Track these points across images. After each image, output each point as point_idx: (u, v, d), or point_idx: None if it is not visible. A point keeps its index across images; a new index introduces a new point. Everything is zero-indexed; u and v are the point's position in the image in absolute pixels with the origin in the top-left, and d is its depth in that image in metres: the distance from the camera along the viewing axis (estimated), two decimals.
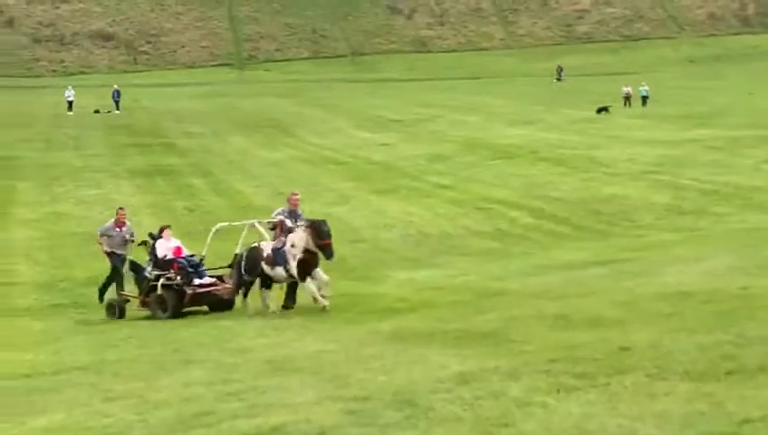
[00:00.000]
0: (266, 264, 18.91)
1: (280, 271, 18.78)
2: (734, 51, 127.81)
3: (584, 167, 40.95)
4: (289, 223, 19.07)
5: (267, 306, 19.07)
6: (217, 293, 20.43)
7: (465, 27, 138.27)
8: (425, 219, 32.80)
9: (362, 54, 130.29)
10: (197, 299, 20.36)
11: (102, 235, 22.73)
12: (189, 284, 20.22)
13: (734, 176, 35.94)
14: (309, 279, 18.40)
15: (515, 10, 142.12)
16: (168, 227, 21.98)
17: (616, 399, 7.42)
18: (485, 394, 8.05)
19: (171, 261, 20.66)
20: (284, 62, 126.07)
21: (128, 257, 21.89)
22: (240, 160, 48.61)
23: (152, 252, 20.97)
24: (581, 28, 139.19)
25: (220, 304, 20.40)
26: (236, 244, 19.99)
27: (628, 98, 72.25)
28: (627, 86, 74.21)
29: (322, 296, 18.23)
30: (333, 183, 40.75)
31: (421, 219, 32.79)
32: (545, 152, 45.39)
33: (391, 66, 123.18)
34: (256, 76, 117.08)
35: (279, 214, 19.73)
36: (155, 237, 21.33)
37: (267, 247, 19.14)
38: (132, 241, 22.51)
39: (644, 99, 71.89)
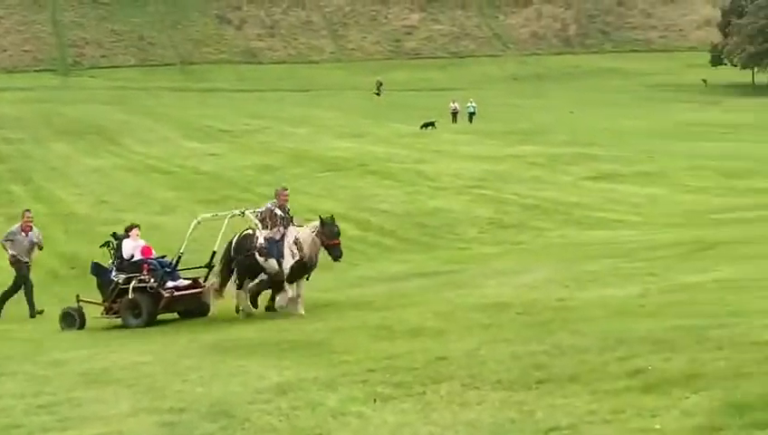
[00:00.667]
0: (259, 254, 17.71)
1: (273, 264, 17.58)
2: (556, 70, 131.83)
3: (411, 180, 41.41)
4: (279, 213, 17.77)
5: (246, 304, 17.97)
6: (195, 295, 18.57)
7: (296, 39, 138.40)
8: None
9: (191, 63, 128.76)
10: (173, 303, 18.49)
11: (7, 239, 21.55)
12: (164, 286, 18.24)
13: (555, 192, 36.93)
14: (296, 284, 17.30)
15: (345, 24, 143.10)
16: (136, 226, 19.54)
17: (430, 408, 7.50)
18: (302, 404, 8.03)
19: (140, 262, 18.64)
20: (110, 69, 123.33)
21: (29, 264, 20.72)
22: (62, 167, 47.28)
23: (117, 253, 18.88)
24: (410, 44, 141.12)
25: (197, 309, 18.70)
26: (216, 239, 18.43)
27: (455, 114, 73.62)
28: (454, 102, 75.64)
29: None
30: (158, 193, 40.07)
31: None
32: (373, 165, 45.74)
33: (221, 76, 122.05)
34: (81, 82, 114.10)
35: (269, 206, 18.20)
36: (119, 237, 19.22)
37: (261, 236, 17.74)
38: (41, 248, 21.75)
39: (471, 115, 73.38)
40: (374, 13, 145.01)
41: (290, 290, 17.29)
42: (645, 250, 21.56)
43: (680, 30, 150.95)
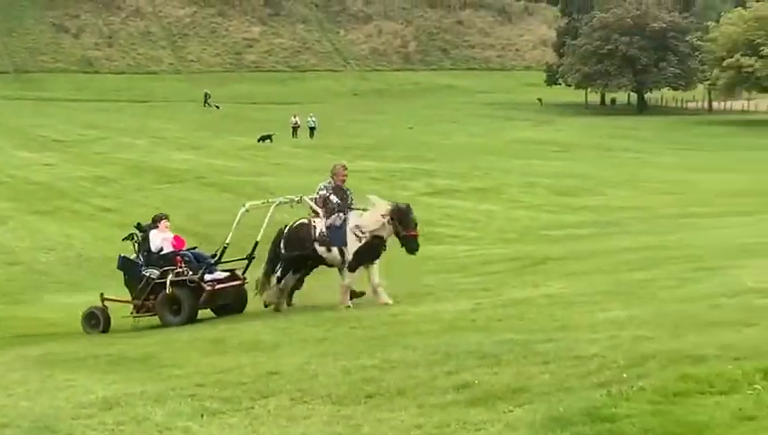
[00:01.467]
0: (320, 244, 16.18)
1: (336, 254, 16.10)
2: (396, 86, 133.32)
3: (249, 193, 41.16)
4: (335, 199, 16.36)
5: (277, 302, 16.57)
6: (236, 288, 17.16)
7: (134, 50, 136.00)
8: (85, 242, 31.92)
9: (27, 72, 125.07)
10: (215, 297, 16.83)
11: None
12: (203, 279, 16.67)
13: None
14: (359, 271, 15.89)
15: (185, 35, 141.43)
16: (165, 216, 17.80)
17: (258, 422, 7.45)
18: (128, 419, 7.87)
19: (171, 255, 17.04)
20: None
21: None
22: None
23: (143, 246, 17.30)
24: (250, 57, 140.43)
25: (236, 303, 17.35)
26: (259, 229, 16.86)
27: (296, 128, 73.59)
28: (295, 116, 75.62)
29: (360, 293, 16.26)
30: None
31: (82, 242, 31.91)
32: (211, 177, 45.36)
33: (57, 85, 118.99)
34: None
35: (322, 190, 16.68)
36: (144, 229, 17.61)
37: (320, 224, 16.29)
38: None
39: (311, 129, 73.48)
40: (214, 25, 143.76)
41: (348, 278, 15.97)
42: (479, 265, 21.96)
43: (517, 49, 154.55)
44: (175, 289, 16.58)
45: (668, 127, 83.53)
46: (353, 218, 16.07)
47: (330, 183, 16.72)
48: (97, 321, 17.11)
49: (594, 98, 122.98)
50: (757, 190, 39.30)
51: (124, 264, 17.54)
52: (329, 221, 16.16)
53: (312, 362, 9.58)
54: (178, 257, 16.91)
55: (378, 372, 8.66)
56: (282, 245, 16.44)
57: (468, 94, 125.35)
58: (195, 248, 17.69)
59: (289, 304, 16.90)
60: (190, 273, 16.63)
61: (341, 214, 16.18)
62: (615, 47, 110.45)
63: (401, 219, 15.70)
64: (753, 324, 8.42)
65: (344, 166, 17.21)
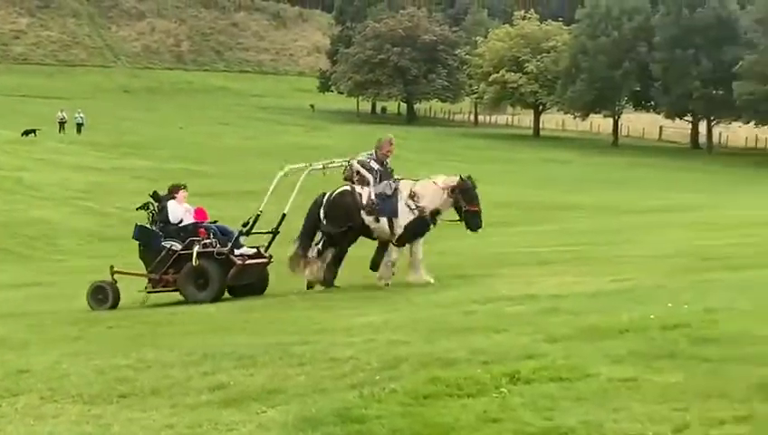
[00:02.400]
0: (367, 213, 14.80)
1: (384, 225, 14.70)
2: (168, 85, 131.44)
3: (10, 188, 39.69)
4: (376, 166, 15.15)
5: (325, 278, 15.12)
6: (262, 266, 15.75)
7: None
8: None
9: None
10: (242, 273, 15.37)
11: None
12: (232, 252, 15.23)
13: None
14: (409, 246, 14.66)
15: None
16: (183, 187, 16.41)
17: (5, 421, 7.21)
18: None
19: (192, 227, 15.67)
20: None
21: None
22: None
23: (160, 216, 15.84)
24: (17, 48, 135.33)
25: (259, 283, 15.92)
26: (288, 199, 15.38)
27: (62, 123, 71.38)
28: (62, 111, 73.36)
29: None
30: None
31: None
32: None
33: None
34: None
35: (365, 161, 15.38)
36: (161, 198, 16.17)
37: (366, 193, 14.93)
38: None
39: (79, 126, 71.43)
40: None
41: (394, 253, 14.75)
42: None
43: (291, 54, 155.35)
44: (202, 262, 15.20)
45: (436, 138, 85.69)
46: (406, 188, 14.88)
47: (371, 155, 15.57)
48: (105, 296, 15.61)
49: (366, 106, 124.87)
50: (517, 202, 40.92)
51: (142, 234, 16.01)
52: (378, 189, 14.88)
53: (64, 360, 9.33)
54: (202, 229, 15.67)
55: (132, 372, 8.51)
56: (321, 215, 15.11)
57: (241, 97, 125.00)
58: (216, 222, 16.38)
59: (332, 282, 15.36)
60: (218, 245, 15.33)
61: (391, 182, 15.02)
62: (387, 57, 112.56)
63: (464, 192, 14.56)
64: (503, 330, 8.74)
65: (391, 141, 15.88)
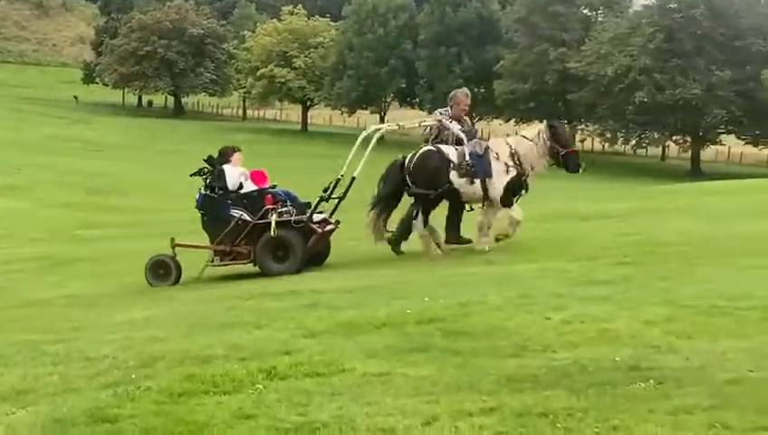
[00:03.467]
0: (460, 175, 13.69)
1: (477, 188, 13.68)
2: None
3: None
4: (456, 126, 14.12)
5: (433, 244, 13.96)
6: (329, 234, 14.68)
7: None
8: None
9: None
10: (319, 242, 14.44)
11: None
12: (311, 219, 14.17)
13: None
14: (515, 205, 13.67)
15: None
16: (237, 149, 15.20)
17: None
18: None
19: (258, 193, 14.49)
20: None
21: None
22: None
23: (219, 183, 14.47)
24: None
25: (325, 253, 14.95)
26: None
27: None
28: None
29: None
30: None
31: None
32: None
33: None
34: None
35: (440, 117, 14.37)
36: (215, 163, 14.81)
37: (455, 153, 13.82)
38: None
39: None
40: None
41: (512, 213, 13.64)
42: (1, 265, 21.07)
43: (54, 45, 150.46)
44: (281, 231, 14.13)
45: (203, 132, 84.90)
46: (500, 144, 14.15)
47: (446, 111, 14.66)
48: (167, 271, 14.55)
49: (132, 99, 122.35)
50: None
51: (206, 203, 14.68)
52: (469, 148, 13.92)
53: None
54: (269, 196, 14.56)
55: None
56: (409, 174, 14.05)
57: (1, 87, 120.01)
58: (276, 186, 15.15)
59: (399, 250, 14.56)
60: (295, 212, 14.31)
61: (480, 141, 14.27)
62: (153, 49, 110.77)
63: (557, 136, 13.88)
64: (264, 326, 8.75)
65: (467, 94, 15.09)
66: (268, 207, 14.38)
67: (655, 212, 19.38)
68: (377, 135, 14.88)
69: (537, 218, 16.72)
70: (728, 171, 72.66)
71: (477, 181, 13.71)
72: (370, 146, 14.65)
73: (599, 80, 79.09)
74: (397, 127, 15.89)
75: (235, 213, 14.46)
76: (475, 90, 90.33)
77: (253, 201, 14.52)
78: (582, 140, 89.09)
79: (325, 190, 14.56)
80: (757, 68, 76.78)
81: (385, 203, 14.38)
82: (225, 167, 14.77)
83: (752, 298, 7.92)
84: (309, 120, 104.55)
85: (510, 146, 13.90)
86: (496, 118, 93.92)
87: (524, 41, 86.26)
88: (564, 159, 13.84)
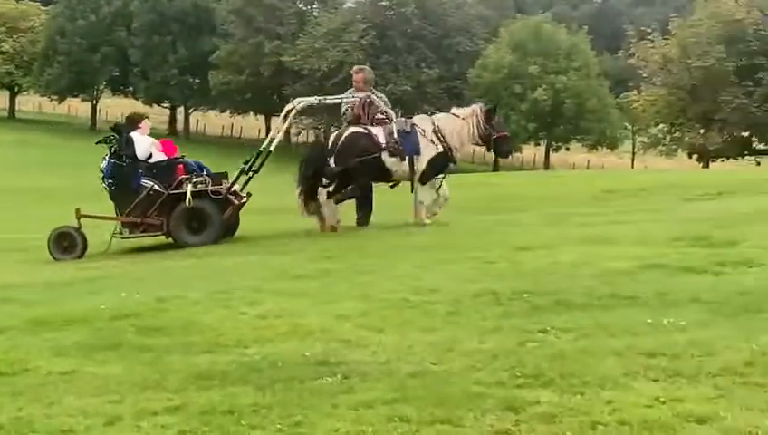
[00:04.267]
0: (390, 153, 14.03)
1: (405, 165, 14.07)
2: None
3: None
4: (382, 102, 14.68)
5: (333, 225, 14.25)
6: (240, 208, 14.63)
7: None
8: None
9: None
10: (232, 216, 14.51)
11: None
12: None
13: None
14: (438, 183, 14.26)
15: None
16: (146, 117, 15.21)
17: None
18: None
19: (167, 163, 14.36)
20: None
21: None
22: None
23: (127, 151, 14.16)
24: None
25: (235, 225, 15.00)
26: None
27: None
28: None
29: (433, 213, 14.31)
30: None
31: None
32: None
33: None
34: None
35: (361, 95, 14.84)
36: (122, 130, 14.52)
37: (382, 132, 14.13)
38: None
39: None
40: None
41: (423, 193, 14.15)
42: None
43: None
44: (197, 202, 13.97)
45: None
46: (424, 122, 14.44)
47: (352, 92, 15.11)
48: (72, 243, 14.06)
49: None
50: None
51: (115, 172, 14.23)
52: (397, 126, 14.26)
53: None
54: (181, 166, 14.39)
55: None
56: (333, 160, 14.16)
57: None
58: (184, 156, 14.95)
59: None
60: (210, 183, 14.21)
61: (405, 119, 14.73)
62: None
63: (489, 119, 14.32)
64: None
65: (358, 69, 15.65)
66: (183, 176, 14.22)
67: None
68: (298, 107, 15.06)
69: (256, 211, 16.76)
70: None
71: (407, 159, 14.12)
72: (288, 120, 15.17)
73: (313, 74, 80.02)
74: (317, 102, 16.03)
75: (146, 183, 14.20)
76: (191, 80, 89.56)
77: (163, 171, 14.32)
78: (298, 134, 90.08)
79: (246, 163, 14.70)
80: (464, 67, 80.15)
81: (308, 181, 14.49)
82: (134, 134, 14.48)
83: (441, 292, 8.19)
84: (17, 107, 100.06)
85: (433, 123, 14.39)
86: (211, 109, 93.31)
87: (240, 32, 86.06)
88: (496, 142, 14.49)
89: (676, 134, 70.72)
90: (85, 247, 14.29)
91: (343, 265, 10.54)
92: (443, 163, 14.35)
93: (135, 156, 14.30)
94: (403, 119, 14.83)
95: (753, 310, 6.82)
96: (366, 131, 14.30)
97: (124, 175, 14.32)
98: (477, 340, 6.46)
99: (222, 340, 7.02)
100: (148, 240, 15.06)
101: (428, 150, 14.14)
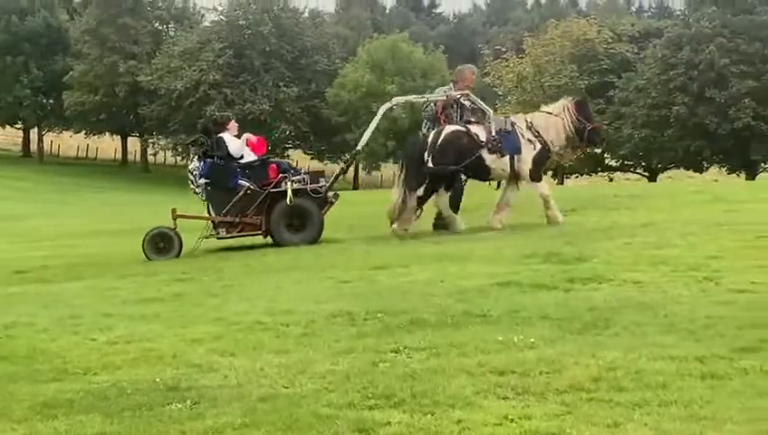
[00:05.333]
0: (489, 151, 14.01)
1: (506, 162, 14.02)
2: None
3: None
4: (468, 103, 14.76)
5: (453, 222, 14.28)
6: None
7: None
8: None
9: None
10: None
11: None
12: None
13: None
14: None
15: None
16: (232, 117, 15.49)
17: None
18: None
19: (260, 163, 14.50)
20: None
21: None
22: None
23: (220, 152, 14.27)
24: None
25: None
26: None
27: None
28: None
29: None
30: None
31: None
32: None
33: None
34: None
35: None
36: (211, 130, 14.72)
37: (483, 130, 14.15)
38: None
39: None
40: None
41: (542, 188, 14.16)
42: None
43: None
44: (299, 201, 14.10)
45: None
46: (519, 121, 14.42)
47: (450, 89, 14.98)
48: (169, 244, 13.95)
49: None
50: None
51: (213, 171, 14.23)
52: (496, 125, 14.24)
53: None
54: (273, 165, 14.55)
55: None
56: (436, 152, 14.01)
57: None
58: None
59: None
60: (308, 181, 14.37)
61: (505, 118, 14.70)
62: None
63: (583, 112, 14.43)
64: None
65: (474, 71, 15.67)
66: (282, 175, 14.34)
67: None
68: (386, 106, 15.40)
69: (109, 234, 16.44)
70: None
71: (506, 157, 14.09)
72: (377, 118, 15.19)
73: (169, 94, 79.06)
74: (404, 101, 16.91)
75: (243, 183, 14.24)
76: (44, 101, 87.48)
77: (256, 171, 14.41)
78: (155, 154, 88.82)
79: (345, 162, 15.26)
80: (323, 86, 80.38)
81: (415, 183, 14.22)
82: (224, 135, 14.56)
83: (295, 313, 8.15)
84: None
85: (527, 120, 14.43)
86: (66, 129, 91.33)
87: (95, 52, 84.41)
88: (590, 133, 14.45)
89: None
90: (181, 248, 14.17)
91: (198, 287, 10.41)
92: (545, 158, 14.50)
93: (230, 155, 14.43)
94: (503, 118, 14.95)
95: (601, 326, 6.98)
96: (465, 130, 14.31)
97: (221, 174, 14.40)
98: (330, 361, 6.43)
99: (69, 367, 6.83)
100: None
101: (528, 149, 14.20)
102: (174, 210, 14.55)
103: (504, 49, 71.63)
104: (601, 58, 70.34)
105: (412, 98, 15.98)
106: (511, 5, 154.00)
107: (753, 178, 61.75)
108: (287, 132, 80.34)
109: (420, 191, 14.22)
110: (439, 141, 14.12)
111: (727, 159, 68.96)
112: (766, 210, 14.74)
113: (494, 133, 14.19)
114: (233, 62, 79.16)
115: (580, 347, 6.35)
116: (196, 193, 14.71)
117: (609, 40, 70.49)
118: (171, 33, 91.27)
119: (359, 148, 15.66)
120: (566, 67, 68.27)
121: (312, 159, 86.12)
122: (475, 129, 14.31)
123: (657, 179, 70.04)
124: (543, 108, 15.04)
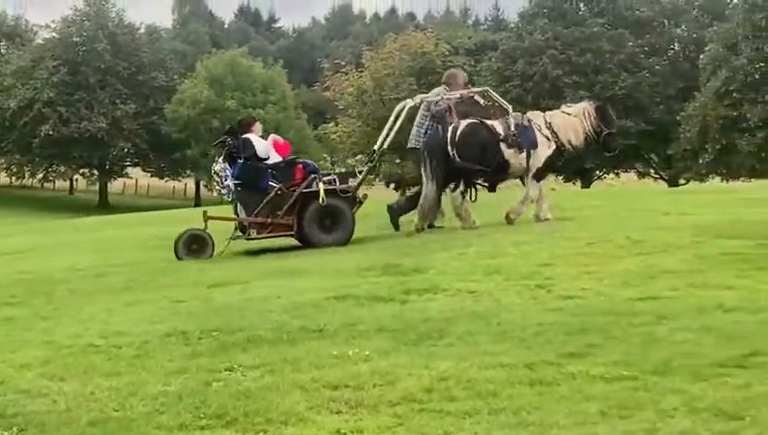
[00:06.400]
0: (508, 145, 14.16)
1: (524, 158, 14.19)
2: None
3: None
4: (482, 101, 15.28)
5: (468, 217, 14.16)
6: None
7: None
8: None
9: None
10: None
11: None
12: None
13: None
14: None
15: None
16: (256, 120, 15.33)
17: None
18: None
19: (287, 163, 14.35)
20: None
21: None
22: None
23: (246, 153, 14.07)
24: None
25: None
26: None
27: None
28: None
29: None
30: None
31: None
32: None
33: None
34: None
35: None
36: (236, 132, 14.48)
37: (500, 124, 14.31)
38: None
39: None
40: None
41: (534, 189, 14.30)
42: None
43: None
44: (331, 200, 14.16)
45: None
46: (538, 118, 14.52)
47: (444, 90, 15.29)
48: (203, 245, 14.05)
49: None
50: None
51: (246, 172, 14.23)
52: (513, 120, 14.40)
53: None
54: (300, 166, 14.58)
55: None
56: (457, 146, 14.09)
57: None
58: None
59: None
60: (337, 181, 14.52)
61: (521, 114, 14.75)
62: None
63: (606, 116, 14.69)
64: None
65: (464, 74, 16.33)
66: (312, 175, 14.38)
67: (53, 248, 19.15)
68: (410, 103, 15.37)
69: None
70: (135, 204, 74.09)
71: (524, 153, 14.25)
72: (401, 118, 15.03)
73: (2, 113, 76.64)
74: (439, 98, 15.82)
75: (274, 183, 14.25)
76: None
77: (282, 172, 14.42)
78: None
79: (371, 162, 15.23)
80: (161, 102, 79.19)
81: (442, 180, 14.23)
82: (250, 136, 14.55)
83: (129, 335, 7.98)
84: None
85: (545, 119, 14.50)
86: None
87: None
88: (606, 138, 14.66)
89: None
90: (213, 249, 14.18)
91: (27, 311, 10.10)
92: (557, 160, 14.73)
93: (257, 156, 14.41)
94: (519, 113, 14.93)
95: (435, 336, 7.05)
96: (481, 122, 14.45)
97: (253, 175, 14.40)
98: (162, 382, 6.31)
99: None
100: None
101: (544, 146, 14.35)
102: (205, 212, 14.80)
103: (343, 63, 71.80)
104: (439, 71, 71.10)
105: (430, 96, 15.81)
106: (350, 19, 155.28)
107: (589, 186, 63.54)
108: (125, 150, 78.85)
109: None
110: (458, 135, 14.25)
111: (562, 168, 70.76)
112: (598, 217, 15.17)
113: (512, 129, 14.40)
114: (67, 79, 77.20)
115: (413, 358, 6.40)
116: (222, 194, 14.86)
117: (447, 53, 71.49)
118: (3, 51, 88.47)
119: (375, 148, 15.31)
120: (405, 81, 68.95)
121: (151, 176, 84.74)
122: (492, 122, 14.54)
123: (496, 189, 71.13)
124: (564, 108, 15.20)
